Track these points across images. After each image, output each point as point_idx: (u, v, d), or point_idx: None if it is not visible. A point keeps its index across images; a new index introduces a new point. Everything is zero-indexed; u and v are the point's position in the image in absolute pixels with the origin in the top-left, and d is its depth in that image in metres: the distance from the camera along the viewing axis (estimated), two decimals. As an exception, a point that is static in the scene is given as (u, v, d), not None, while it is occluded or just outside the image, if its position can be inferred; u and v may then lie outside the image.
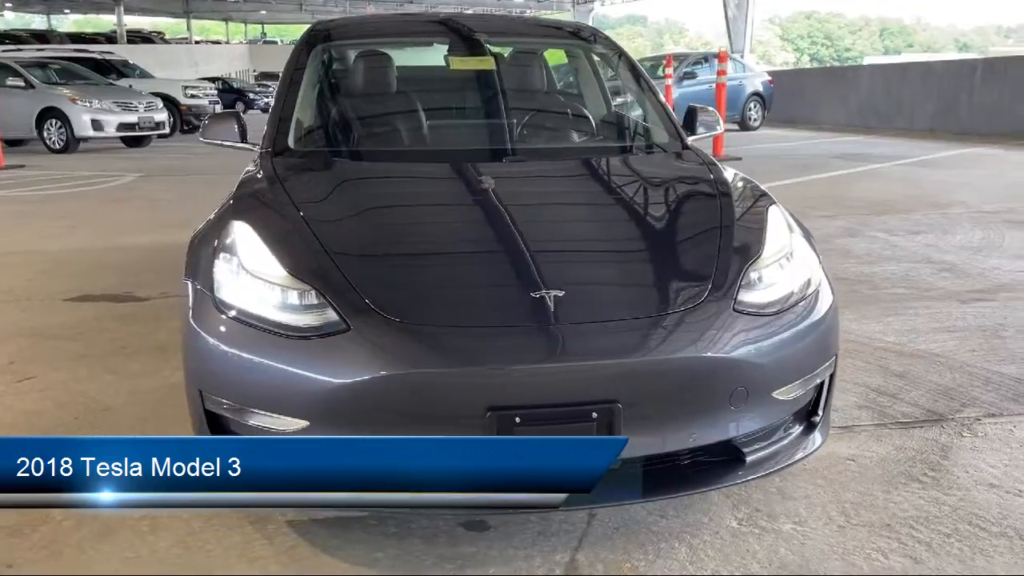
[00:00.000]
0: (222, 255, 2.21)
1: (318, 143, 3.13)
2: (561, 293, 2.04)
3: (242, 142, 3.14)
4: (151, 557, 2.18)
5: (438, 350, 1.94)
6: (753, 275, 2.20)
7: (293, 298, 2.08)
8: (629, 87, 3.41)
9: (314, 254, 2.17)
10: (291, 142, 2.98)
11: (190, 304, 2.21)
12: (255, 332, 2.05)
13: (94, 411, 3.10)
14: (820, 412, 2.29)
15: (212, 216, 2.53)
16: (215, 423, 2.13)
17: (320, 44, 3.44)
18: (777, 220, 2.43)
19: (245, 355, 2.05)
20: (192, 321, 2.16)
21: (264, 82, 41.39)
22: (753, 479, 2.17)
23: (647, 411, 1.95)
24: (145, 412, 3.09)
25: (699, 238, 2.33)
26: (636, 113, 3.41)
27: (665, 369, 1.98)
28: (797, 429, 2.26)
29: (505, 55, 3.49)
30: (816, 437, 2.28)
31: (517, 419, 1.88)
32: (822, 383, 2.27)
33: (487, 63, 3.31)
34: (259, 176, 2.69)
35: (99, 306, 4.48)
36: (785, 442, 2.22)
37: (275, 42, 67.48)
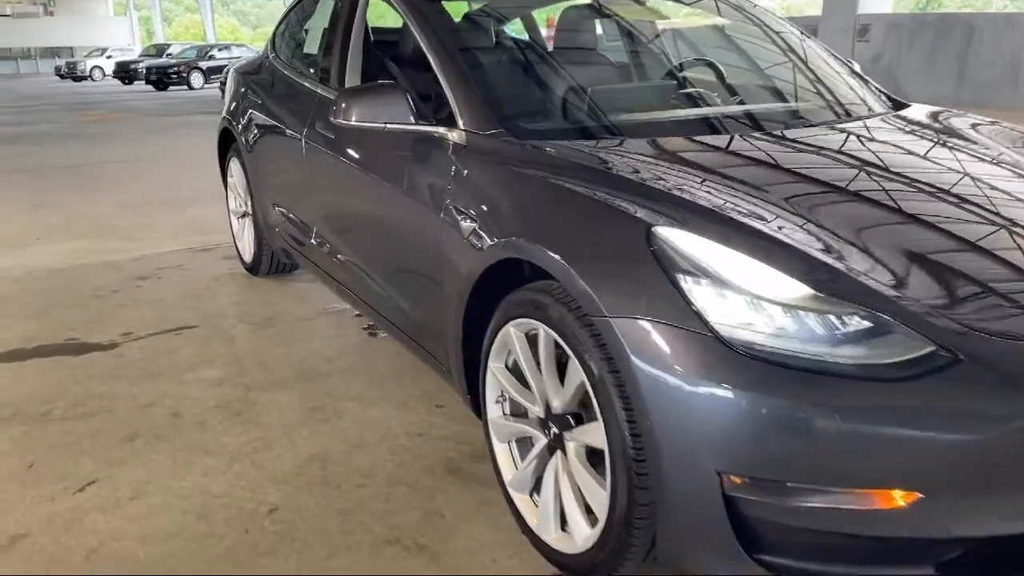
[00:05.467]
0: (684, 276, 1.57)
1: (562, 118, 2.42)
2: None
3: (418, 122, 2.35)
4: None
5: None
6: None
7: (833, 324, 1.52)
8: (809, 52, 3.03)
9: (817, 259, 1.61)
10: (519, 120, 2.27)
11: (638, 349, 1.55)
12: (806, 376, 1.47)
13: (258, 516, 2.19)
14: None
15: (542, 230, 1.83)
16: (735, 514, 1.52)
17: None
18: None
19: (803, 411, 1.47)
20: (665, 373, 1.52)
21: None
22: None
23: None
24: (329, 506, 2.23)
25: None
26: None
27: None
28: None
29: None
30: None
31: None
32: None
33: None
34: (551, 164, 2.01)
35: (52, 363, 3.25)
36: None
37: None
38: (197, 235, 5.22)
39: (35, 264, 4.64)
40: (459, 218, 2.14)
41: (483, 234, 2.04)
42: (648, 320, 1.57)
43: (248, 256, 4.25)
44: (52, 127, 13.68)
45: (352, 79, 3.04)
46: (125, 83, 29.02)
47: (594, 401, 1.69)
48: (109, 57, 37.38)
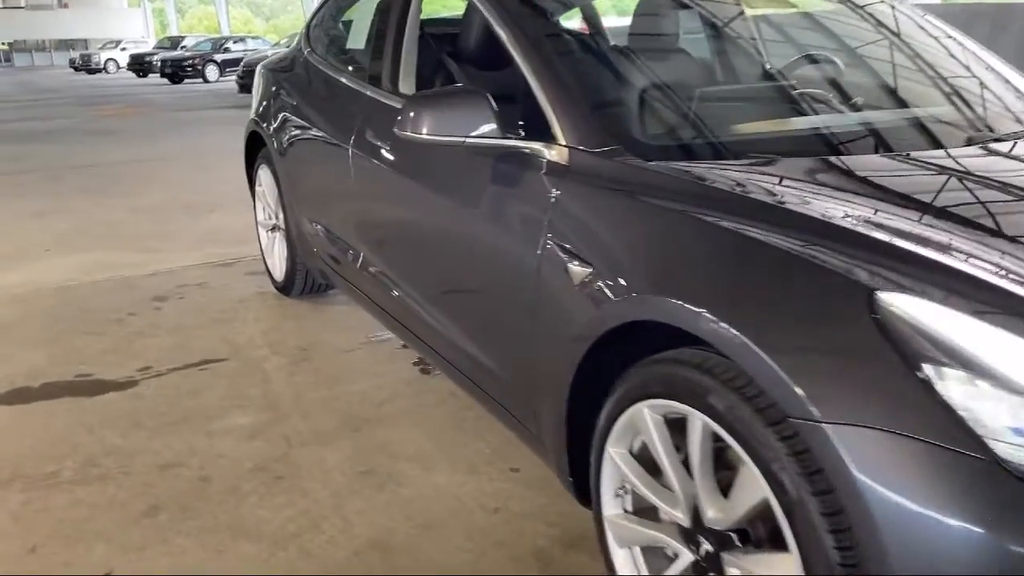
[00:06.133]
0: (930, 365, 1.11)
1: (694, 131, 1.95)
2: None
3: (506, 137, 1.89)
4: None
5: None
6: None
7: None
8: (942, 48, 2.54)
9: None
10: (639, 133, 1.81)
11: (870, 469, 1.10)
12: None
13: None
14: None
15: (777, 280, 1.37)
16: None
17: None
18: None
19: None
20: (912, 504, 1.07)
21: None
22: None
23: None
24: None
25: None
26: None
27: None
28: None
29: None
30: None
31: None
32: None
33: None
34: (696, 194, 1.54)
35: (60, 406, 2.82)
36: None
37: None
38: (220, 246, 4.78)
39: (43, 280, 4.21)
40: (565, 259, 1.69)
41: (602, 285, 1.58)
42: (882, 430, 1.11)
43: (279, 274, 3.81)
44: (66, 122, 13.30)
45: (407, 79, 2.59)
46: (140, 76, 28.76)
47: (785, 528, 1.24)
48: (123, 49, 37.17)
